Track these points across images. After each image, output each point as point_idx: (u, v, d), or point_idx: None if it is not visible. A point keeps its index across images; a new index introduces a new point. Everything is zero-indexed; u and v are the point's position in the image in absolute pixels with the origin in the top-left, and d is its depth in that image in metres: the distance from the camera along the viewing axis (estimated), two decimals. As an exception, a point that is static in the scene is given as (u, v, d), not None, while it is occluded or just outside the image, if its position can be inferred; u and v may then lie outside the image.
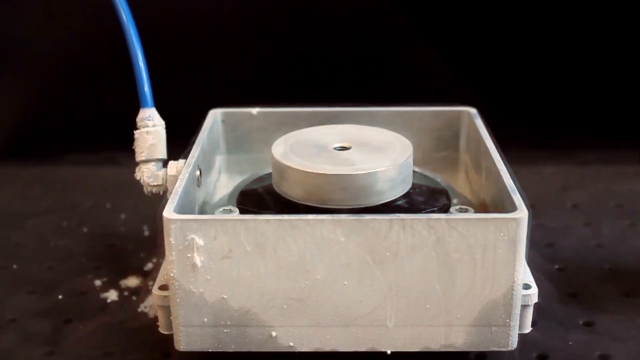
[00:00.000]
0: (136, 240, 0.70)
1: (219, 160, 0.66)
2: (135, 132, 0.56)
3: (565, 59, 0.87)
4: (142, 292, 0.62)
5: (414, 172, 0.55)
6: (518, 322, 0.48)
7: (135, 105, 0.56)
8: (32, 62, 0.90)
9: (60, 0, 0.87)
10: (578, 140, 0.88)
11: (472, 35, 0.88)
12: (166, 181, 0.56)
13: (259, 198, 0.57)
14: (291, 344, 0.49)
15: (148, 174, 0.56)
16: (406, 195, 0.54)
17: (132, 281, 0.63)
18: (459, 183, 0.64)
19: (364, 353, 0.49)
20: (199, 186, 0.56)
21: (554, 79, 0.88)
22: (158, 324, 0.50)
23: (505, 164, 0.54)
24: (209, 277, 0.47)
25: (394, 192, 0.53)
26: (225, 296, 0.47)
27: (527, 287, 0.49)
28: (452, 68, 0.88)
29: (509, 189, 0.50)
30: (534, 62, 0.88)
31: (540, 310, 0.54)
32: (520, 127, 0.87)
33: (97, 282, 0.63)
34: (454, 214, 0.50)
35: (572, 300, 0.60)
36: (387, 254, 0.46)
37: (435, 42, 0.88)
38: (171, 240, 0.46)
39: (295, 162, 0.52)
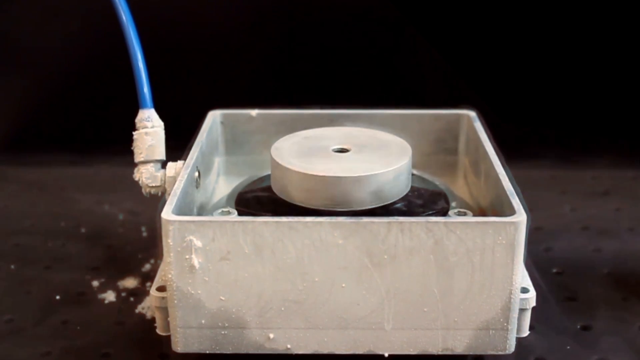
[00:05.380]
0: (134, 241, 0.70)
1: (218, 161, 0.66)
2: (134, 133, 0.56)
3: (567, 59, 0.87)
4: (139, 293, 0.61)
5: (412, 174, 0.55)
6: (516, 326, 0.48)
7: (134, 106, 0.56)
8: (31, 62, 0.90)
9: (59, 0, 0.87)
10: (577, 143, 0.88)
11: (472, 36, 0.88)
12: (165, 182, 0.56)
13: (257, 200, 0.57)
14: (288, 346, 0.49)
15: (147, 175, 0.56)
16: (405, 198, 0.54)
17: (130, 282, 0.63)
18: (457, 186, 0.64)
19: (361, 356, 0.49)
20: (197, 187, 0.56)
21: (555, 80, 0.88)
22: (156, 325, 0.51)
23: (504, 167, 0.54)
24: (207, 279, 0.47)
25: (392, 194, 0.53)
26: (223, 298, 0.47)
27: (525, 290, 0.49)
28: (452, 68, 0.88)
29: (508, 192, 0.50)
30: (534, 62, 0.88)
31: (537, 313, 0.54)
32: (519, 129, 0.87)
33: (95, 283, 0.63)
34: (453, 217, 0.50)
35: (570, 304, 0.60)
36: (385, 256, 0.46)
37: (436, 42, 0.88)
38: (169, 241, 0.46)
39: (294, 164, 0.52)
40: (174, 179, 0.55)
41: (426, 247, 0.46)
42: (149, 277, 0.64)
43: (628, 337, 0.56)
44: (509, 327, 0.48)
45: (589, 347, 0.55)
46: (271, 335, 0.48)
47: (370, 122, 0.64)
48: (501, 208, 0.51)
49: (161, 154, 0.56)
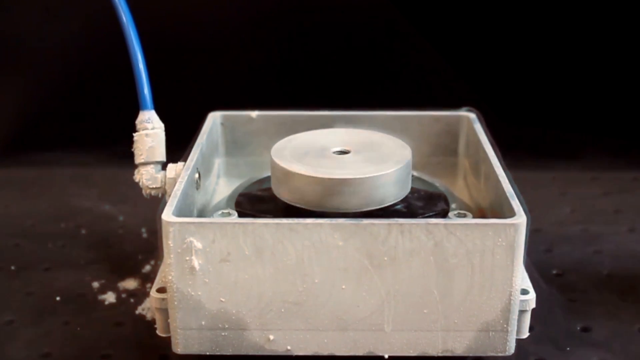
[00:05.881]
0: (134, 243, 0.70)
1: (218, 163, 0.66)
2: (134, 134, 0.56)
3: (567, 59, 0.87)
4: (140, 294, 0.61)
5: (412, 176, 0.55)
6: (516, 328, 0.48)
7: (134, 108, 0.56)
8: (32, 63, 0.90)
9: (60, 1, 0.87)
10: (576, 144, 0.88)
11: (472, 35, 0.88)
12: (165, 184, 0.56)
13: (257, 201, 0.57)
14: (288, 347, 0.49)
15: (147, 177, 0.56)
16: (405, 200, 0.54)
17: (130, 283, 0.63)
18: (457, 188, 0.64)
19: (361, 357, 0.49)
20: (197, 189, 0.56)
21: (554, 79, 0.88)
22: (156, 326, 0.51)
23: (504, 168, 0.54)
24: (207, 280, 0.47)
25: (392, 196, 0.53)
26: (223, 299, 0.47)
27: (524, 292, 0.49)
28: (453, 68, 0.88)
29: (508, 194, 0.50)
30: (535, 62, 0.88)
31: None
32: (519, 130, 0.87)
33: (95, 284, 0.63)
34: (453, 219, 0.50)
35: (570, 305, 0.60)
36: (385, 258, 0.46)
37: (436, 42, 0.88)
38: (169, 243, 0.46)
39: (294, 166, 0.52)
40: (174, 181, 0.55)
41: (426, 249, 0.46)
42: (149, 278, 0.63)
43: (628, 338, 0.56)
44: (509, 329, 0.48)
45: (589, 348, 0.55)
46: (271, 337, 0.48)
47: (370, 124, 0.64)
48: (501, 210, 0.51)
49: (161, 155, 0.57)
